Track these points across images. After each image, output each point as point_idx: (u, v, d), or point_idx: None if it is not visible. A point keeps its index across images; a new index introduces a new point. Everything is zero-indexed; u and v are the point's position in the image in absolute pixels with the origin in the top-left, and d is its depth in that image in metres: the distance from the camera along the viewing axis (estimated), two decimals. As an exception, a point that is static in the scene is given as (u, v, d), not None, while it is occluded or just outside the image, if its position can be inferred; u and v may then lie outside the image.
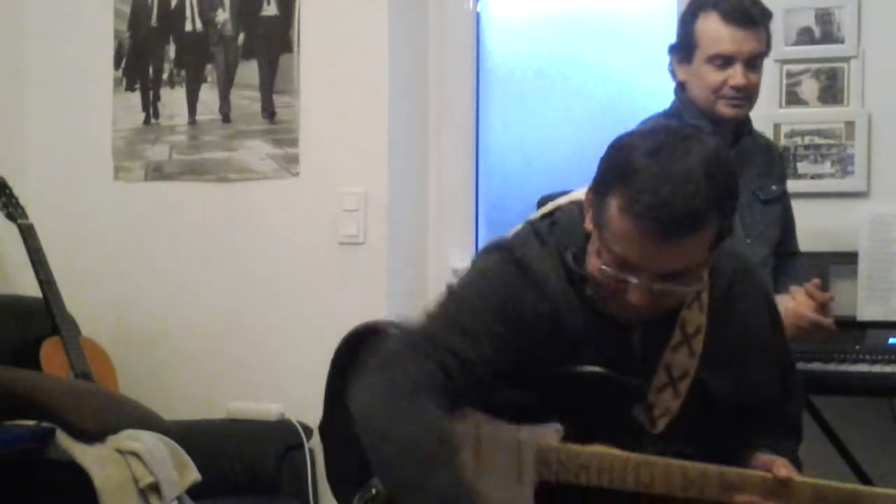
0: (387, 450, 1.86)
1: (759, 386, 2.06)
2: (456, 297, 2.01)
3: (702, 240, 1.84)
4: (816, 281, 2.77)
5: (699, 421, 1.99)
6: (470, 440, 1.99)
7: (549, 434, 1.98)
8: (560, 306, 1.98)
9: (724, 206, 1.85)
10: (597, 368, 1.99)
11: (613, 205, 1.85)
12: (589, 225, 1.95)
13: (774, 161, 3.03)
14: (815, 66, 3.51)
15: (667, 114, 2.88)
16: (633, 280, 1.86)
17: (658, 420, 2.00)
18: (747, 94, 2.80)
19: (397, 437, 1.84)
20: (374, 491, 2.02)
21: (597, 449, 1.96)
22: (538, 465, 1.97)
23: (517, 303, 1.98)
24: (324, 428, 2.36)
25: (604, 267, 1.88)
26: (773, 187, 2.99)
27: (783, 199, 3.04)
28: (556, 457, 1.96)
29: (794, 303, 2.73)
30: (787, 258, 3.04)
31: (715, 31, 2.78)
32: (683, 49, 2.83)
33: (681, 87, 2.87)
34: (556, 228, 2.04)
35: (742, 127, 2.91)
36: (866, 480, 3.02)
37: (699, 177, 1.81)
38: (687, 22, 2.82)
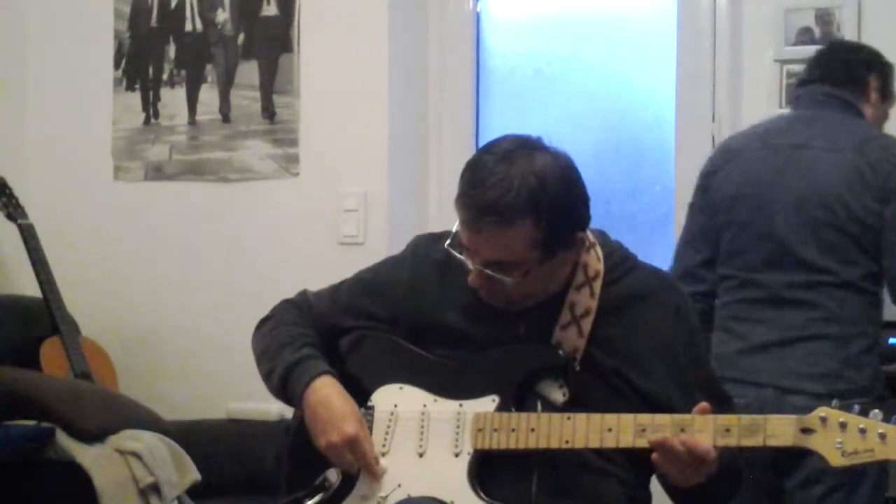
0: (260, 366, 2.31)
1: (657, 381, 2.14)
2: (355, 274, 2.37)
3: (516, 237, 2.02)
4: None
5: (595, 397, 2.10)
6: (417, 418, 2.16)
7: (486, 403, 2.12)
8: (427, 284, 2.23)
9: (546, 214, 2.01)
10: None
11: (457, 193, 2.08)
12: None
13: None
14: (815, 66, 3.50)
15: (866, 123, 2.95)
16: (468, 262, 2.08)
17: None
18: None
19: (262, 350, 2.32)
20: (326, 483, 2.17)
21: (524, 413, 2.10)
22: (475, 434, 2.10)
23: (389, 282, 2.29)
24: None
25: (449, 248, 2.12)
26: None
27: None
28: (491, 424, 2.09)
29: None
30: None
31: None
32: (889, 92, 3.02)
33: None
34: (448, 232, 2.23)
35: None
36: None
37: (524, 180, 2.01)
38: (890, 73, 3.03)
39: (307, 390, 2.19)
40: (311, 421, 2.19)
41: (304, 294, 2.41)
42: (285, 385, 2.24)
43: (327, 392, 2.18)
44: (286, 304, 2.40)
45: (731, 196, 2.92)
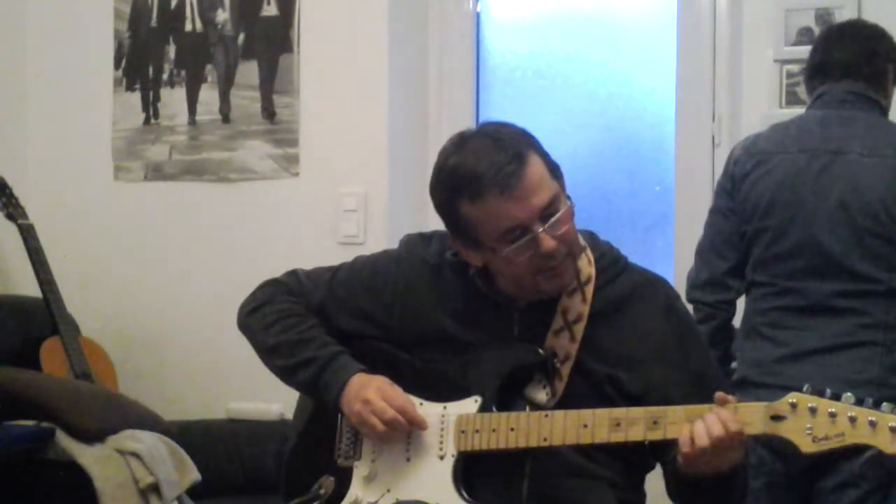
0: (274, 359, 2.31)
1: (654, 382, 2.13)
2: (350, 264, 2.35)
3: (539, 167, 2.08)
4: None
5: (584, 402, 2.09)
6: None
7: (469, 404, 2.13)
8: (420, 288, 2.23)
9: (537, 147, 2.12)
10: None
11: (481, 206, 2.05)
12: (478, 261, 2.16)
13: None
14: (815, 66, 3.50)
15: None
16: (538, 230, 2.05)
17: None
18: None
19: (274, 344, 2.30)
20: (321, 491, 2.19)
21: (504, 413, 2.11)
22: (458, 436, 2.11)
23: (385, 280, 2.27)
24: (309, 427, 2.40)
25: (513, 248, 2.05)
26: None
27: None
28: (473, 425, 2.10)
29: None
30: None
31: None
32: None
33: None
34: (437, 233, 2.32)
35: None
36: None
37: (512, 132, 2.11)
38: None
39: (345, 388, 2.18)
40: (347, 402, 2.17)
41: (294, 276, 2.38)
42: (316, 383, 2.22)
43: (367, 378, 2.19)
44: (279, 288, 2.37)
45: (766, 202, 2.82)
